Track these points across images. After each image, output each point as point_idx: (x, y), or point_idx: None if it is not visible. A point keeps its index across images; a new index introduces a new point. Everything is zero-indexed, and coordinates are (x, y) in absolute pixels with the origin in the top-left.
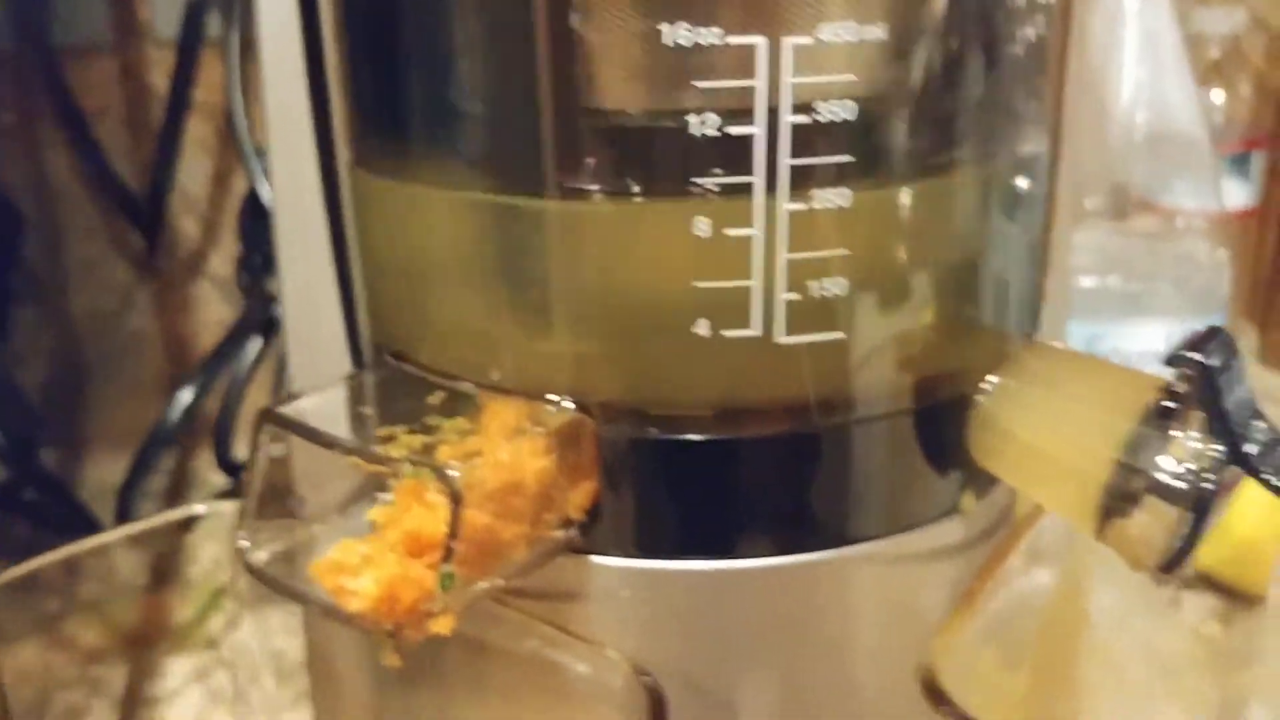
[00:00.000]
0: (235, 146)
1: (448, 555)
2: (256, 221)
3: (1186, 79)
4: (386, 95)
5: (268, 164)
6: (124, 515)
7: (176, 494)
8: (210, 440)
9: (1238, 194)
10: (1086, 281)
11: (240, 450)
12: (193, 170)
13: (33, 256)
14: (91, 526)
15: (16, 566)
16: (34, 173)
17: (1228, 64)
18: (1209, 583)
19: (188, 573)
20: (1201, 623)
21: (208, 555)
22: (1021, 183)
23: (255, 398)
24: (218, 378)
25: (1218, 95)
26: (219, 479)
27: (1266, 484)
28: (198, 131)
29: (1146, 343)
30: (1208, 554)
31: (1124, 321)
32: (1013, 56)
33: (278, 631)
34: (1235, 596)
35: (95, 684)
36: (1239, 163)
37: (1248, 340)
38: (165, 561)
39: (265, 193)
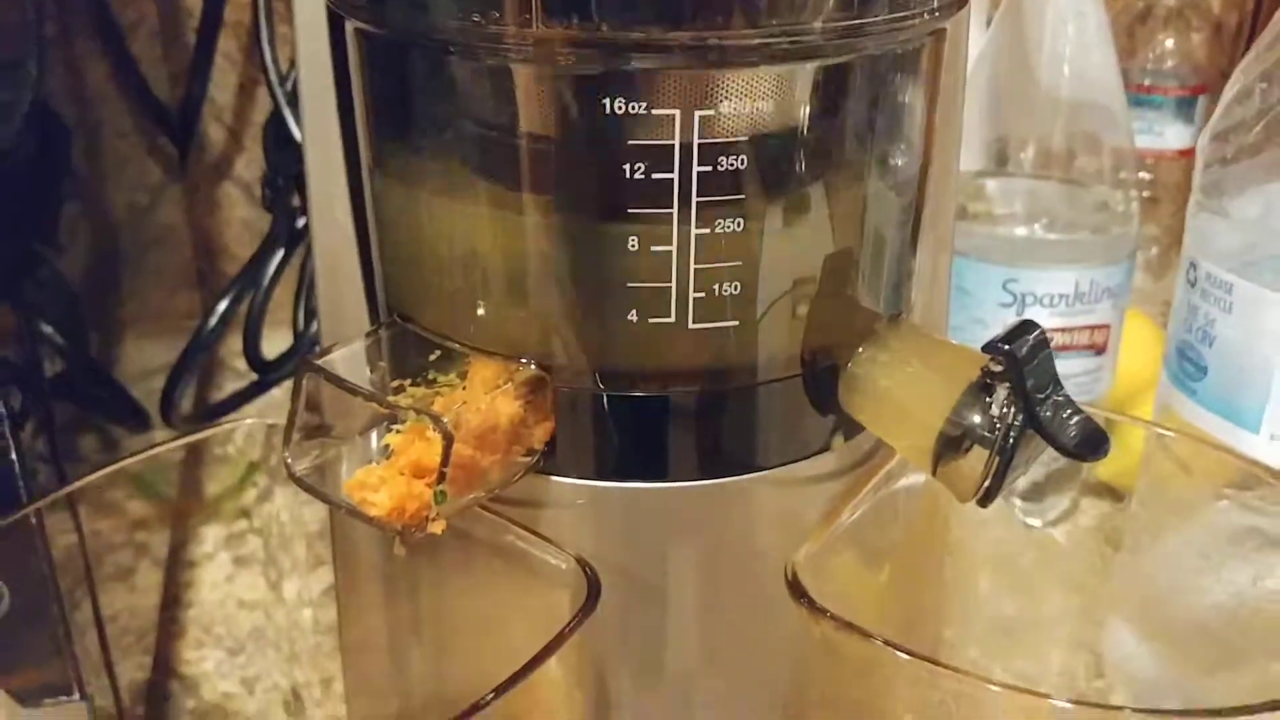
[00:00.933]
0: (264, 77)
1: (441, 478)
2: (279, 145)
3: (1109, 52)
4: (397, 126)
5: (299, 115)
6: (167, 408)
7: (207, 380)
8: (237, 333)
9: (1181, 135)
10: (1018, 230)
11: (266, 348)
12: (220, 81)
13: (73, 155)
14: (138, 413)
15: (113, 463)
16: (73, 80)
17: (1182, 13)
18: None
19: (223, 452)
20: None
21: (241, 433)
22: (887, 200)
23: (281, 298)
24: (249, 286)
25: (1170, 42)
26: (241, 365)
27: (1051, 442)
28: (225, 46)
29: (1055, 286)
30: (1104, 468)
31: (1040, 267)
32: (878, 109)
33: (305, 503)
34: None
35: (141, 547)
36: (1185, 106)
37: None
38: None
39: (289, 119)
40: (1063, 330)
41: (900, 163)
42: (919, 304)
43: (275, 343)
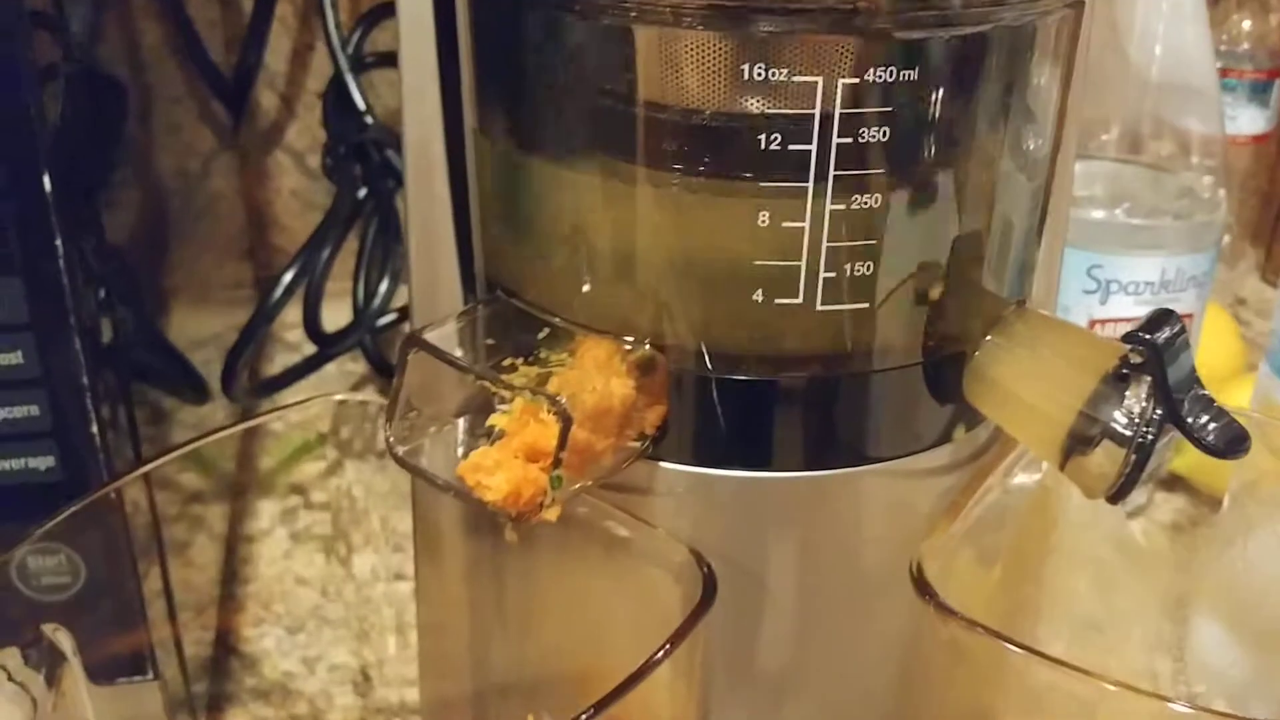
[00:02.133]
0: (325, 41)
1: (558, 463)
2: (341, 112)
3: (1204, 32)
4: (509, 87)
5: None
6: (229, 380)
7: (259, 352)
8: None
9: (1255, 120)
10: (1096, 214)
11: (326, 321)
12: (274, 47)
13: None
14: (198, 384)
15: (193, 440)
16: (129, 42)
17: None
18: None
19: (273, 428)
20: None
21: (314, 410)
22: (1019, 183)
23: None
24: (312, 258)
25: (1246, 24)
26: (292, 337)
27: (1192, 439)
28: (280, 10)
29: (1140, 274)
30: (1180, 461)
31: (1124, 253)
32: (1014, 85)
33: (378, 476)
34: (1201, 499)
35: (196, 521)
36: (1260, 90)
37: (1251, 259)
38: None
39: (351, 85)
40: None
41: (1033, 144)
42: (1033, 290)
43: (328, 315)
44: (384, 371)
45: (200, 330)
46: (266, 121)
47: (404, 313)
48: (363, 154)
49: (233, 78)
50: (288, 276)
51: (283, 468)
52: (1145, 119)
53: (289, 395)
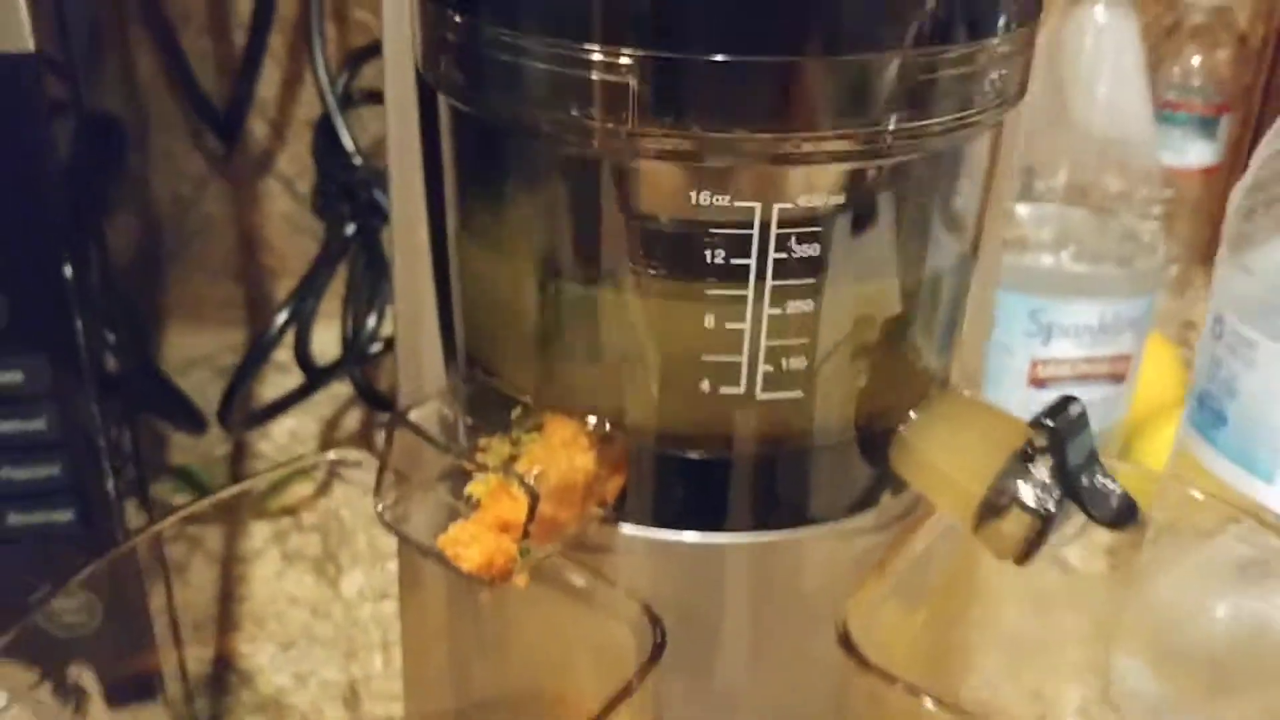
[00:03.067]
0: (314, 81)
1: (526, 534)
2: (329, 151)
3: (1144, 87)
4: (484, 198)
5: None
6: (226, 413)
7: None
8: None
9: (1204, 153)
10: (1044, 259)
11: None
12: (265, 78)
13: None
14: (193, 415)
15: (195, 501)
16: (124, 71)
17: (1209, 31)
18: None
19: (264, 451)
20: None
21: (284, 431)
22: (941, 281)
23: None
24: (308, 294)
25: (1196, 59)
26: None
27: (1086, 513)
28: (270, 41)
29: (1080, 318)
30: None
31: (1065, 299)
32: (937, 199)
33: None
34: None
35: (194, 541)
36: (1208, 124)
37: (1200, 286)
38: (245, 445)
39: (338, 124)
40: (1086, 360)
41: (955, 245)
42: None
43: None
44: (369, 397)
45: (193, 350)
46: (258, 149)
47: (389, 343)
48: (350, 192)
49: (225, 109)
50: (281, 317)
51: (274, 490)
52: (1089, 168)
53: (280, 422)
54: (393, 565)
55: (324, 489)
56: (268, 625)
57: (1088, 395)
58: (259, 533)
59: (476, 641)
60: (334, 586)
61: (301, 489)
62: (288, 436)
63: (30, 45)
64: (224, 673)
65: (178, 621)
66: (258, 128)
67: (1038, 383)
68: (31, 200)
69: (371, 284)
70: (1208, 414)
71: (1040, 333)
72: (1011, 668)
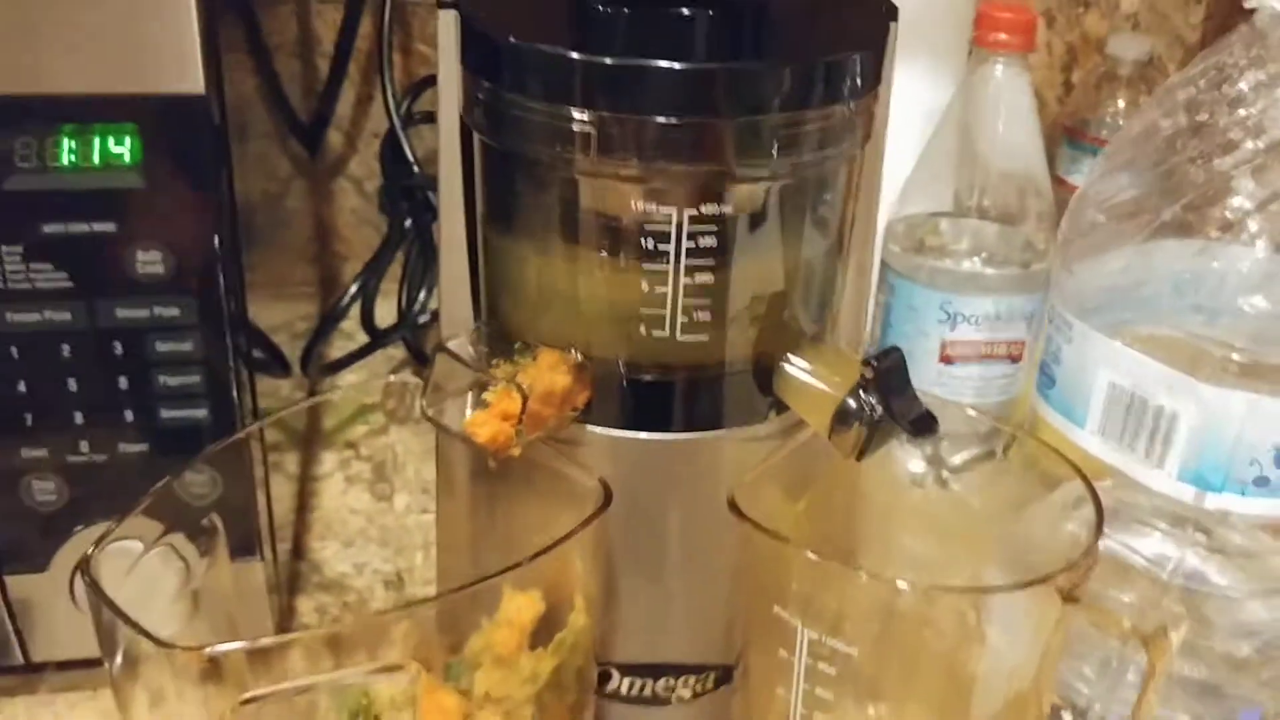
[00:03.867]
0: (384, 104)
1: (520, 422)
2: (394, 160)
3: (1035, 133)
4: (500, 198)
5: (437, 185)
6: (306, 361)
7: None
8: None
9: None
10: (965, 264)
11: (379, 317)
12: (342, 96)
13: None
14: (284, 363)
15: (285, 408)
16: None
17: (1144, 75)
18: None
19: (333, 399)
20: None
21: (347, 381)
22: (815, 261)
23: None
24: (371, 273)
25: (1122, 103)
26: (347, 328)
27: (897, 424)
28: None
29: (979, 309)
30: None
31: (967, 294)
32: (810, 205)
33: (414, 438)
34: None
35: (275, 465)
36: None
37: None
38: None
39: (402, 139)
40: (986, 343)
41: (823, 241)
42: (845, 314)
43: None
44: (419, 357)
45: (275, 319)
46: (333, 155)
47: (435, 315)
48: (409, 193)
49: (309, 121)
50: (353, 288)
51: (340, 428)
52: (993, 191)
53: (346, 374)
54: (432, 489)
55: (382, 430)
56: (333, 528)
57: (990, 371)
58: (328, 460)
59: (489, 530)
60: (387, 502)
61: (360, 428)
62: (351, 389)
63: (202, 88)
64: (297, 561)
65: (271, 508)
66: (334, 137)
67: (946, 360)
68: (194, 195)
69: (423, 268)
70: (1044, 378)
71: (948, 320)
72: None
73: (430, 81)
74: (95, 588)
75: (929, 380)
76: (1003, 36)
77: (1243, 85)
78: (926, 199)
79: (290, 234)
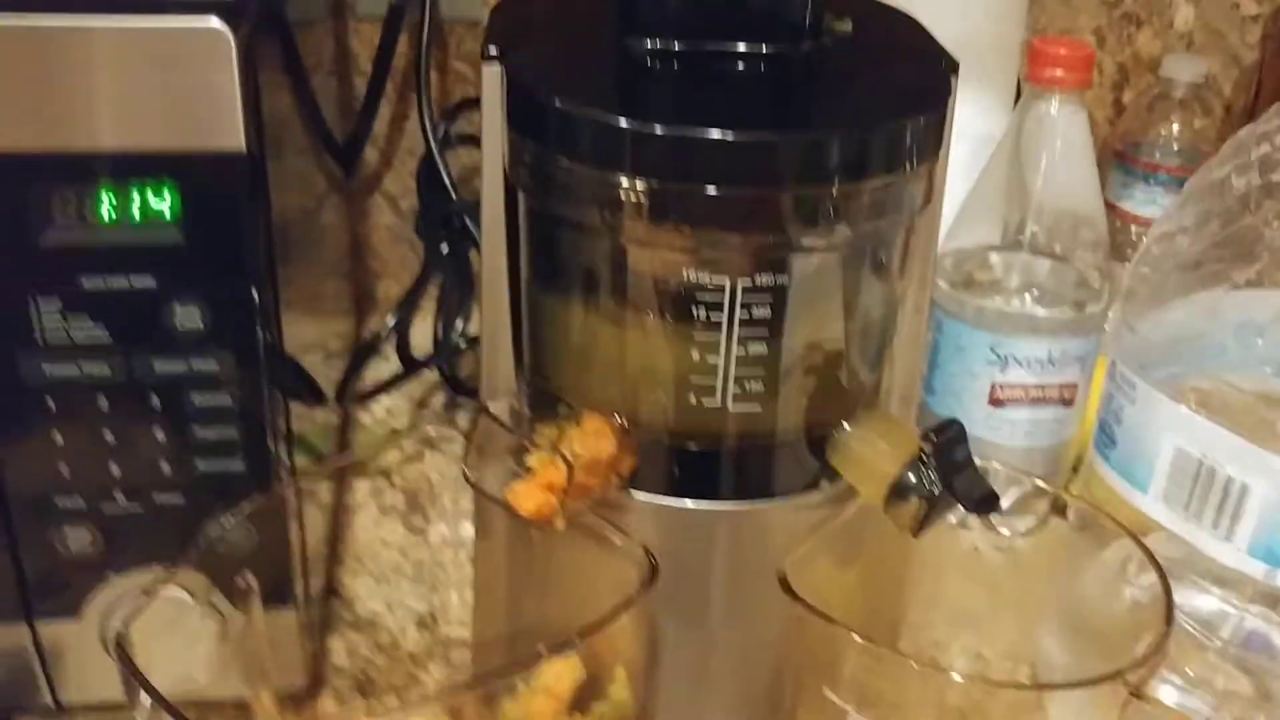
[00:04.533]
0: (421, 125)
1: (565, 493)
2: (431, 186)
3: (1091, 169)
4: (548, 262)
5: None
6: (343, 391)
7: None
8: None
9: None
10: (1014, 302)
11: (414, 347)
12: (378, 114)
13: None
14: (316, 391)
15: (319, 467)
16: (269, 110)
17: (1199, 97)
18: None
19: (365, 423)
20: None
21: (381, 408)
22: (870, 328)
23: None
24: (409, 305)
25: (1175, 127)
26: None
27: (958, 500)
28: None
29: (1032, 352)
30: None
31: (1019, 336)
32: (864, 275)
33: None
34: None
35: (309, 494)
36: (1180, 182)
37: None
38: (350, 417)
39: (439, 164)
40: (1037, 386)
41: (878, 307)
42: (900, 360)
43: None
44: (453, 384)
45: (308, 336)
46: (369, 171)
47: (471, 342)
48: (447, 220)
49: (345, 139)
50: (390, 321)
51: (370, 457)
52: (1047, 228)
53: (379, 400)
54: (469, 521)
55: (415, 458)
56: (366, 562)
57: (1040, 415)
58: (360, 489)
59: (528, 579)
60: (421, 534)
61: (393, 455)
62: (384, 413)
63: (243, 145)
64: (330, 597)
65: (305, 553)
66: (369, 154)
67: (996, 402)
68: (233, 251)
69: (459, 295)
70: (1104, 437)
71: (998, 361)
72: (955, 634)
73: (469, 104)
74: (129, 664)
75: (978, 423)
76: (1059, 73)
77: None
78: (976, 232)
79: (325, 250)
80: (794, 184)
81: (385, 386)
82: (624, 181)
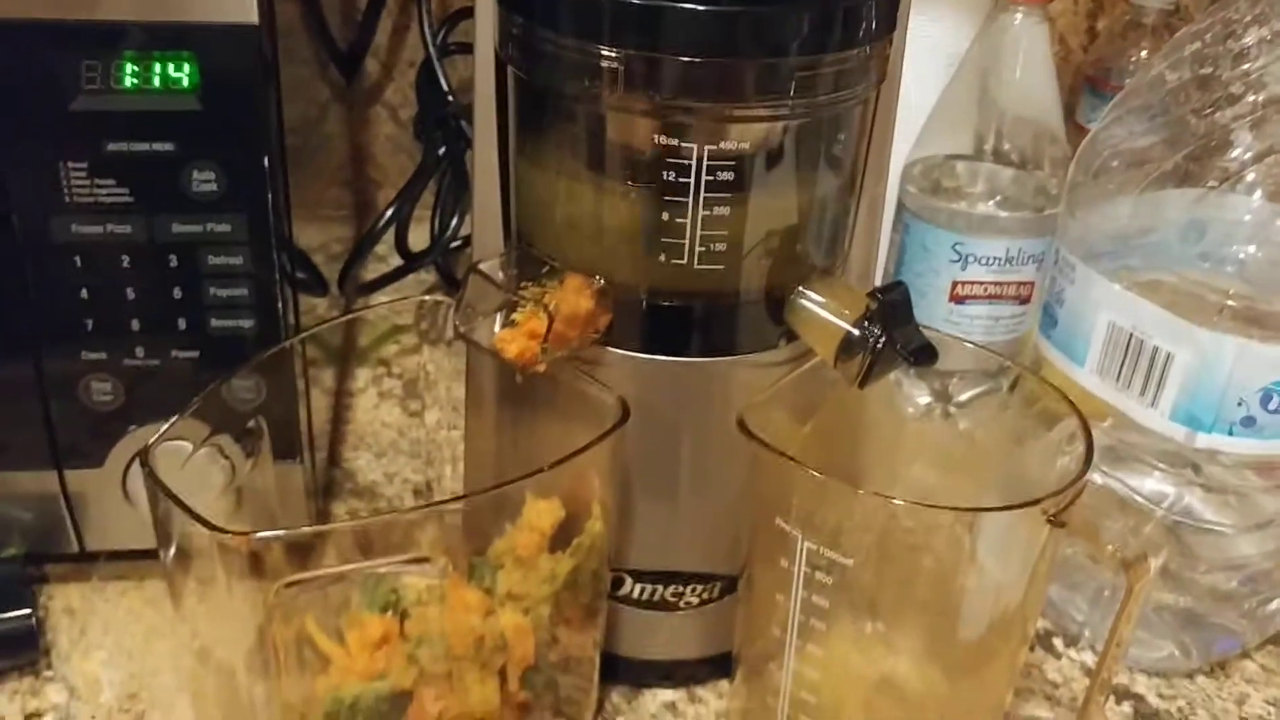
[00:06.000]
0: (420, 31)
1: (546, 340)
2: (429, 89)
3: (1051, 80)
4: (534, 132)
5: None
6: (344, 280)
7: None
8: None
9: None
10: (980, 206)
11: (412, 242)
12: (380, 25)
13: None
14: (323, 282)
15: (324, 322)
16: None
17: (1169, 24)
18: None
19: (368, 318)
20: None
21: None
22: (828, 198)
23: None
24: (406, 198)
25: (1144, 53)
26: (381, 250)
27: (899, 354)
28: None
29: (989, 251)
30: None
31: (979, 236)
32: (824, 143)
33: (445, 358)
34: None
35: (313, 379)
36: None
37: None
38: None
39: (438, 69)
40: (996, 283)
41: (838, 175)
42: (856, 250)
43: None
44: (450, 281)
45: (312, 240)
46: (370, 81)
47: (466, 240)
48: (443, 122)
49: (347, 50)
50: (388, 212)
51: (373, 347)
52: (1010, 137)
53: (380, 295)
54: (462, 407)
55: (415, 349)
56: (366, 439)
57: (999, 311)
58: (362, 376)
59: (514, 438)
60: (419, 418)
61: (392, 347)
62: (386, 310)
63: (256, 18)
64: (332, 468)
65: (310, 415)
66: (370, 65)
67: (957, 299)
68: (246, 119)
69: (455, 195)
70: (1047, 318)
71: (960, 260)
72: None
73: (466, 13)
74: (153, 477)
75: (939, 318)
76: None
77: (1247, 40)
78: (943, 143)
79: (327, 159)
80: (755, 55)
81: (385, 280)
82: (602, 51)
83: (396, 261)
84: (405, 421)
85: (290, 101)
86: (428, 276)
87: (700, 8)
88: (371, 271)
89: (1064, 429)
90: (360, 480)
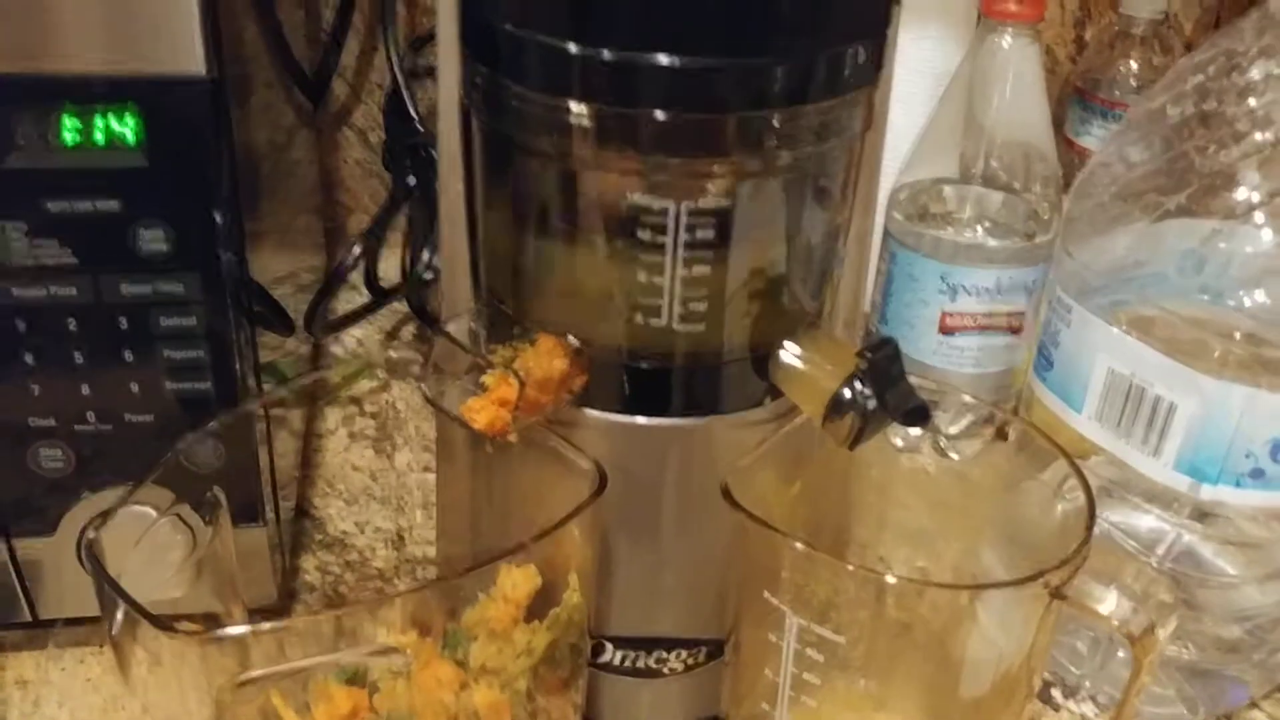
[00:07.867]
0: (388, 59)
1: (517, 408)
2: (398, 118)
3: (1042, 103)
4: (500, 184)
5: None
6: (311, 320)
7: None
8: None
9: None
10: (966, 233)
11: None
12: (346, 48)
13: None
14: (287, 321)
15: (297, 378)
16: (234, 40)
17: (1158, 34)
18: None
19: (336, 354)
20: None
21: (352, 339)
22: (811, 251)
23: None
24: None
25: (1134, 64)
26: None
27: (891, 415)
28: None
29: (979, 281)
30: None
31: (968, 265)
32: (806, 196)
33: (414, 394)
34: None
35: (279, 420)
36: None
37: None
38: (322, 348)
39: (405, 97)
40: (986, 314)
41: (820, 230)
42: (844, 283)
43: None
44: (421, 315)
45: (280, 269)
46: (338, 106)
47: (439, 273)
48: (413, 150)
49: (313, 73)
50: (356, 250)
51: (343, 385)
52: (999, 161)
53: (350, 331)
54: (433, 445)
55: (384, 387)
56: (336, 485)
57: (990, 342)
58: (331, 416)
59: (488, 497)
60: (389, 459)
61: (365, 385)
62: (355, 343)
63: (203, 69)
64: (301, 518)
65: (274, 473)
66: (338, 87)
67: (946, 330)
68: (196, 174)
69: (426, 226)
70: (1042, 360)
71: (949, 291)
72: (901, 552)
73: (433, 37)
74: (99, 567)
75: (928, 350)
76: (1012, 6)
77: (1253, 74)
78: (931, 166)
79: (294, 184)
80: (735, 109)
81: (354, 317)
82: (572, 106)
83: (367, 291)
84: (377, 464)
85: (254, 126)
86: (400, 306)
87: (678, 62)
88: (343, 302)
89: (1058, 471)
90: (330, 530)
